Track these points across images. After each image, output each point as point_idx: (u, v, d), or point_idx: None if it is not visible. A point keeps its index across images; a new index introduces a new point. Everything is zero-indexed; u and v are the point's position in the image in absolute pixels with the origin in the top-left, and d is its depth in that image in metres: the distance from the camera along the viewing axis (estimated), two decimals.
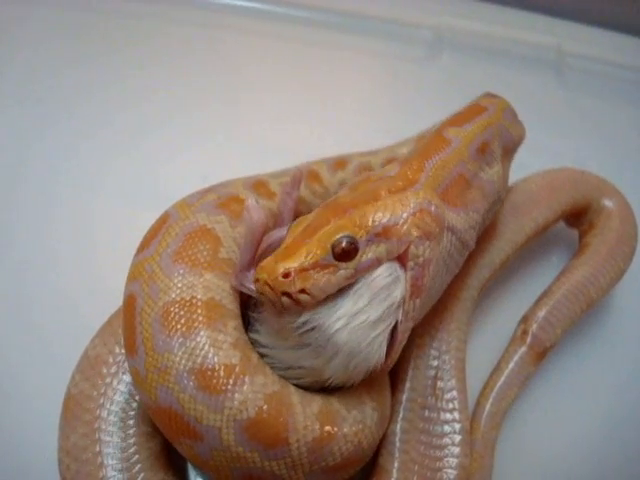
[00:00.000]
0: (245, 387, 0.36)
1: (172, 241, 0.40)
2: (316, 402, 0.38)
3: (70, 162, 0.62)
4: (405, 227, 0.39)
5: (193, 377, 0.36)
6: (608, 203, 0.57)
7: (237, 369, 0.36)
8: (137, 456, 0.42)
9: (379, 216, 0.39)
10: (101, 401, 0.42)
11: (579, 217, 0.58)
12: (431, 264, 0.39)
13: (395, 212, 0.39)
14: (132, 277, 0.41)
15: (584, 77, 0.73)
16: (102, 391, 0.43)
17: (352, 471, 0.41)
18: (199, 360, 0.36)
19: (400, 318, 0.38)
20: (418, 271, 0.39)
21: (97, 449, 0.41)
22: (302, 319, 0.37)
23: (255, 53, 0.71)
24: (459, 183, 0.44)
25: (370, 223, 0.38)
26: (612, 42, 0.76)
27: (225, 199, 0.44)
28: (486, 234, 0.53)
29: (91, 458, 0.41)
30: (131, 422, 0.42)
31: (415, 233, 0.39)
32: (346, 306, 0.37)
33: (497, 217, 0.54)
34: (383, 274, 0.38)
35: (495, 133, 0.48)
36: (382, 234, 0.38)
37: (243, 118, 0.66)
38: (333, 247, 0.37)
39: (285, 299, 0.36)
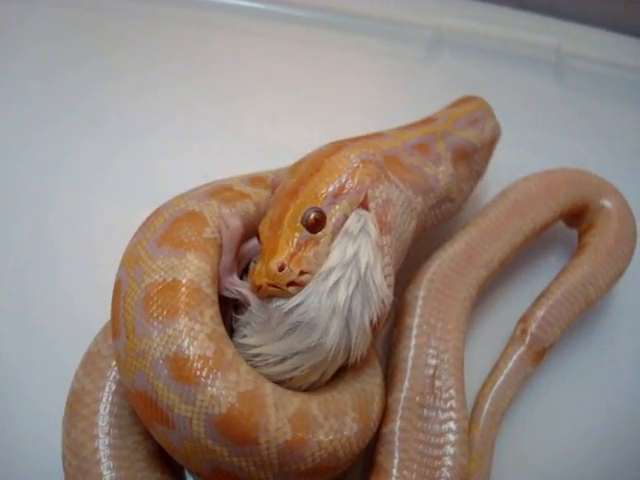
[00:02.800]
0: (217, 382, 0.36)
1: (160, 226, 0.41)
2: (292, 405, 0.38)
3: (69, 161, 0.62)
4: (356, 178, 0.42)
5: (168, 365, 0.36)
6: (607, 203, 0.57)
7: (210, 362, 0.36)
8: (134, 454, 0.41)
9: (329, 179, 0.41)
10: (99, 396, 0.42)
11: (578, 217, 0.58)
12: (390, 204, 0.43)
13: (341, 170, 0.42)
14: (121, 264, 0.41)
15: (584, 77, 0.73)
16: (101, 386, 0.43)
17: (326, 477, 0.41)
18: (174, 348, 0.36)
19: (379, 253, 0.41)
20: (380, 209, 0.42)
21: (95, 445, 0.41)
22: (292, 299, 0.38)
23: (256, 53, 0.71)
24: (392, 161, 0.46)
25: (324, 189, 0.41)
26: (612, 43, 0.76)
27: (218, 189, 0.45)
28: (484, 234, 0.53)
29: (89, 455, 0.40)
30: (128, 419, 0.42)
31: (368, 179, 0.42)
32: (335, 258, 0.39)
33: (495, 217, 0.54)
34: (354, 221, 0.40)
35: (437, 139, 0.51)
36: (339, 193, 0.41)
37: (243, 117, 0.66)
38: (304, 224, 0.39)
39: (292, 288, 0.38)
